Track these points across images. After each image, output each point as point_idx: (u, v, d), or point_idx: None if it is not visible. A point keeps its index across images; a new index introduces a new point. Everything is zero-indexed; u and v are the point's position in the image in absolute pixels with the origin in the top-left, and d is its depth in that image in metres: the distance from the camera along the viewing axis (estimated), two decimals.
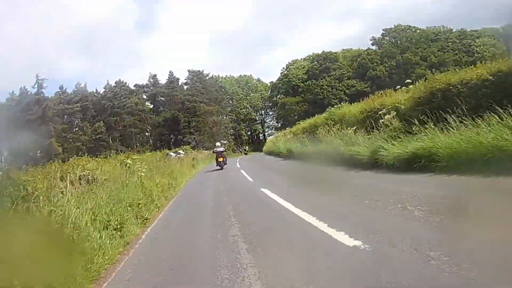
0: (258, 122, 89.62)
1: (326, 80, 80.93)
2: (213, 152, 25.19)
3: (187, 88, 57.86)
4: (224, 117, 58.98)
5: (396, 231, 4.40)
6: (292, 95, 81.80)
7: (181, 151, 33.76)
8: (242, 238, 5.37)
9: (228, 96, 76.39)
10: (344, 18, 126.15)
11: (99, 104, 52.89)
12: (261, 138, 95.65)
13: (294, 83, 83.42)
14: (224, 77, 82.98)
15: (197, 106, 53.41)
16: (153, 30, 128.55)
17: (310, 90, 79.44)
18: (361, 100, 17.01)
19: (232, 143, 71.55)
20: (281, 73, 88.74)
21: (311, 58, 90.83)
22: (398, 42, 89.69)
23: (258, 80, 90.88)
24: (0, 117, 44.66)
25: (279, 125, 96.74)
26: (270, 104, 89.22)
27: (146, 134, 51.60)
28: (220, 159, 22.53)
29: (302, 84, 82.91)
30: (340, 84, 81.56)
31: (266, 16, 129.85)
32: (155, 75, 62.10)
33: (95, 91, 54.51)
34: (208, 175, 21.24)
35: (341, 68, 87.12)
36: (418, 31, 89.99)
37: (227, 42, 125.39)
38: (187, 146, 41.30)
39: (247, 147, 65.39)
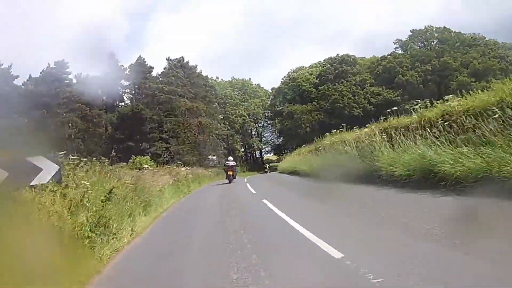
0: (255, 135, 71.19)
1: (344, 85, 63.51)
2: (224, 165, 25.98)
3: (162, 78, 39.18)
4: (215, 122, 40.39)
5: None
6: (300, 103, 63.99)
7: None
8: None
9: (219, 100, 58.06)
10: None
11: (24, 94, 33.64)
12: (257, 156, 76.91)
13: (304, 88, 65.75)
14: (213, 78, 64.52)
15: (175, 100, 34.69)
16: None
17: (326, 96, 61.68)
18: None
19: (223, 160, 52.34)
20: (286, 77, 71.10)
21: (321, 64, 73.84)
22: (432, 44, 73.91)
23: (258, 85, 72.98)
24: None
25: (280, 141, 78.75)
26: (271, 114, 70.93)
27: (95, 139, 32.50)
28: (230, 173, 22.76)
29: (314, 90, 65.28)
30: (362, 91, 64.18)
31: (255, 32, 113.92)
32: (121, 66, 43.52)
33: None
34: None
35: (361, 73, 70.26)
36: (453, 33, 74.15)
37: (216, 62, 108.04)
38: (146, 158, 22.27)
39: (267, 166, 50.39)
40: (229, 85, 66.01)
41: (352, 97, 61.02)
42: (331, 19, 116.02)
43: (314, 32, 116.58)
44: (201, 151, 39.87)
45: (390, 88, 66.02)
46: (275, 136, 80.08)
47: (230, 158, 24.56)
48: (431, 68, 67.00)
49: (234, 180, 22.90)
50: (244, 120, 60.02)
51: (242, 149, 61.31)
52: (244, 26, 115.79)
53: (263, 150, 78.23)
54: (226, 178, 23.16)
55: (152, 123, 33.92)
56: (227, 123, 55.61)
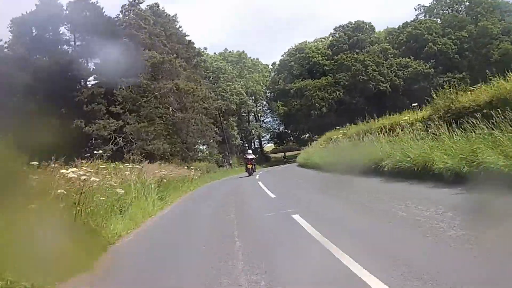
0: (254, 120, 58.49)
1: (365, 55, 50.80)
2: (244, 157, 26.24)
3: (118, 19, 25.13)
4: (202, 90, 27.11)
5: None
6: (310, 80, 51.24)
7: None
8: None
9: (209, 73, 45.00)
10: None
11: None
12: (256, 146, 64.12)
13: (315, 59, 52.93)
14: (201, 49, 50.99)
15: (134, 48, 21.20)
16: None
17: (344, 68, 48.90)
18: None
19: (216, 151, 39.78)
20: (291, 49, 58.02)
21: (331, 34, 61.07)
22: (461, 8, 61.68)
23: (257, 59, 59.95)
24: None
25: (282, 128, 66.19)
26: (273, 95, 58.01)
27: None
28: (249, 166, 22.61)
29: (327, 62, 52.49)
30: (385, 62, 51.60)
31: None
32: None
33: None
34: None
35: (381, 43, 57.75)
36: None
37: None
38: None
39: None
40: (221, 58, 52.82)
41: (376, 68, 48.42)
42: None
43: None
44: (183, 136, 26.97)
45: (419, 58, 53.64)
46: (276, 122, 67.49)
47: (250, 151, 24.07)
48: (467, 35, 54.72)
49: (254, 174, 22.30)
50: (242, 99, 47.12)
51: (239, 137, 48.32)
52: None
53: (262, 139, 65.49)
54: (245, 171, 23.18)
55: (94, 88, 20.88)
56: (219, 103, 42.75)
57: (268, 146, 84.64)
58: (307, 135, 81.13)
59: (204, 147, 39.61)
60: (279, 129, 68.97)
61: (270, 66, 62.96)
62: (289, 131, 68.92)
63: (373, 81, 47.18)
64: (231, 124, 45.38)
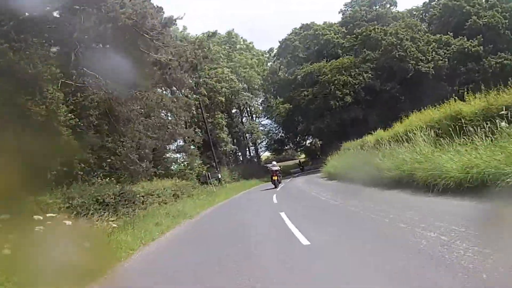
0: (250, 117, 45.11)
1: (396, 27, 38.02)
2: (269, 169, 25.18)
3: None
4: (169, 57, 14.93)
5: None
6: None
7: None
8: None
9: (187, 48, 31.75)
10: None
11: None
12: (251, 155, 50.69)
13: (327, 37, 40.07)
14: (179, 29, 37.35)
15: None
16: None
17: (371, 44, 36.07)
18: None
19: (197, 161, 26.47)
20: (296, 29, 44.91)
21: (341, 11, 48.58)
22: None
23: (251, 43, 46.73)
24: None
25: (281, 134, 53.80)
26: (273, 87, 44.79)
27: None
28: (275, 178, 22.37)
29: (343, 40, 39.70)
30: (421, 38, 38.94)
31: None
32: None
33: None
34: None
35: (405, 19, 45.38)
36: None
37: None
38: None
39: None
40: (204, 38, 39.45)
41: (413, 44, 35.69)
42: None
43: None
44: (129, 135, 13.62)
45: (459, 35, 41.31)
46: (274, 126, 54.40)
47: (274, 162, 24.26)
48: None
49: (280, 185, 22.41)
50: (233, 87, 33.70)
51: (230, 140, 34.57)
52: None
53: (259, 145, 52.07)
54: (271, 183, 22.70)
55: None
56: (203, 92, 29.28)
57: (263, 156, 71.77)
58: (310, 140, 68.28)
59: (180, 155, 26.20)
60: (278, 134, 56.15)
61: (267, 54, 49.95)
62: (288, 137, 56.42)
63: (413, 60, 34.42)
64: (219, 123, 31.89)
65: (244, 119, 46.62)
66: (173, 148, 25.79)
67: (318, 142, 67.55)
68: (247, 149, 47.22)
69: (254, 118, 47.00)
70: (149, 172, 16.48)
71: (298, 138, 65.55)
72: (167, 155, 26.33)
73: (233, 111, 42.25)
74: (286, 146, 62.09)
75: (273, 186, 22.03)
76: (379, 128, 18.38)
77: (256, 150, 49.90)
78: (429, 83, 35.95)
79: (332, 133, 35.63)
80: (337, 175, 17.85)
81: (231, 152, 37.10)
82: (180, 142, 28.18)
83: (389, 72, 34.29)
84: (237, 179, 34.28)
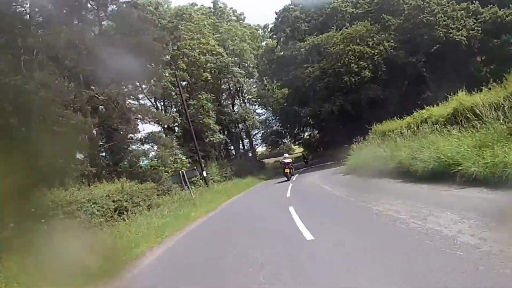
0: (242, 100, 38.09)
1: None
2: (280, 162, 23.20)
3: None
4: None
5: None
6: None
7: None
8: None
9: (162, 20, 24.61)
10: None
11: None
12: (245, 148, 43.92)
13: (334, 5, 33.22)
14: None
15: None
16: None
17: (390, 7, 29.33)
18: None
19: (177, 155, 19.56)
20: None
21: None
22: None
23: (242, 14, 39.70)
24: None
25: (279, 125, 47.89)
26: (268, 67, 37.84)
27: None
28: (287, 170, 21.24)
29: (354, 9, 32.98)
30: (448, 5, 32.29)
31: None
32: None
33: None
34: None
35: None
36: None
37: None
38: None
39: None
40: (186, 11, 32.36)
41: (441, 10, 29.09)
42: None
43: None
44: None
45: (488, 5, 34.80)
46: (270, 116, 47.84)
47: (286, 154, 23.35)
48: None
49: (293, 178, 21.25)
50: (220, 62, 26.62)
51: (217, 127, 27.33)
52: None
53: (254, 137, 45.26)
54: (283, 176, 21.51)
55: None
56: (181, 66, 22.40)
57: (258, 151, 65.36)
58: (309, 132, 62.25)
59: (147, 147, 19.31)
60: (275, 124, 49.66)
61: (261, 31, 43.00)
62: (287, 128, 49.97)
63: (443, 27, 27.86)
64: (203, 106, 25.00)
65: (236, 107, 39.70)
66: (140, 137, 18.93)
67: (317, 135, 61.28)
68: (240, 141, 40.39)
69: (247, 103, 40.05)
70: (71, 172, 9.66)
71: (296, 129, 59.15)
72: (133, 146, 19.51)
73: (223, 97, 35.40)
74: (284, 138, 55.67)
75: (286, 179, 20.96)
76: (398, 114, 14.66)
77: (251, 142, 43.07)
78: (460, 57, 29.55)
79: (340, 119, 29.21)
80: (383, 172, 11.21)
81: (221, 144, 30.21)
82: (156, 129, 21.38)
83: (414, 42, 27.69)
84: (229, 177, 27.56)
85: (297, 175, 24.20)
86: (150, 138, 18.05)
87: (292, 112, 44.75)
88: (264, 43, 41.58)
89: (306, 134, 65.46)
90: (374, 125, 17.10)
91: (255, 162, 38.56)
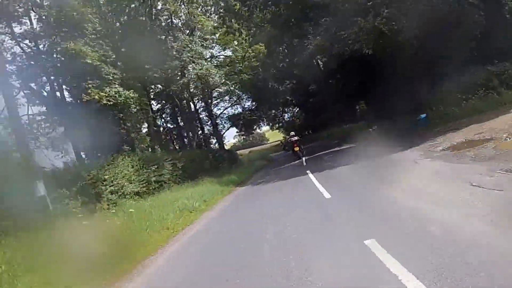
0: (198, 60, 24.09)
1: None
2: (287, 141, 21.92)
3: None
4: None
5: None
6: None
7: None
8: None
9: None
10: None
11: None
12: (205, 133, 30.15)
13: None
14: None
15: None
16: None
17: None
18: None
19: None
20: None
21: None
22: None
23: None
24: None
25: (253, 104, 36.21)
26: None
27: None
28: (296, 149, 17.62)
29: None
30: None
31: None
32: None
33: None
34: None
35: None
36: None
37: None
38: None
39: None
40: None
41: None
42: None
43: None
44: None
45: None
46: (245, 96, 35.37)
47: (293, 133, 19.39)
48: None
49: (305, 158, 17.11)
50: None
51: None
52: None
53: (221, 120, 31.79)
54: (293, 155, 18.44)
55: None
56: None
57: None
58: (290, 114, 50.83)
59: None
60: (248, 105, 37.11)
61: None
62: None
63: None
64: None
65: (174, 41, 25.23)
66: None
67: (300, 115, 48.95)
68: (198, 123, 26.39)
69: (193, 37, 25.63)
70: None
71: (274, 109, 46.66)
72: None
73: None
74: (260, 121, 42.79)
75: (298, 159, 17.34)
76: None
77: (215, 125, 29.18)
78: None
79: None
80: None
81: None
82: None
83: None
84: (174, 180, 14.39)
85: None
86: None
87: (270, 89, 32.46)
88: None
89: (286, 116, 53.30)
90: None
91: (221, 153, 25.01)
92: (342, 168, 10.41)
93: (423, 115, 12.80)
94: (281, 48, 22.19)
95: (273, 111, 46.80)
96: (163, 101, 27.79)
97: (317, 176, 10.13)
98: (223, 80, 22.57)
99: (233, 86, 28.19)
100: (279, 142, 44.67)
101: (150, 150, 19.33)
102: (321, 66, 37.83)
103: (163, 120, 30.87)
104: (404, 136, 12.42)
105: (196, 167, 18.54)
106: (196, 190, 11.98)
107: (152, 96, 25.03)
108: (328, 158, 15.19)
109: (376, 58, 14.11)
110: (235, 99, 33.01)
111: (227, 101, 33.38)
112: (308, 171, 11.48)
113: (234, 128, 39.99)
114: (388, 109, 16.71)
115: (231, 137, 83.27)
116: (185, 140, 27.32)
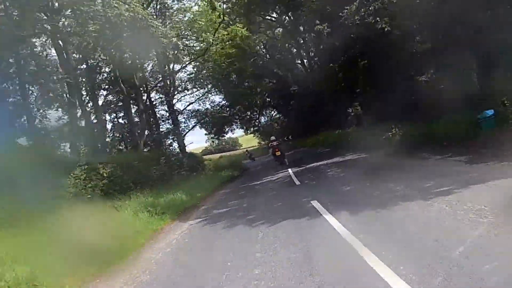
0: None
1: None
2: (269, 146, 20.27)
3: None
4: None
5: None
6: None
7: None
8: None
9: None
10: None
11: None
12: (167, 141, 24.58)
13: None
14: None
15: None
16: None
17: None
18: None
19: None
20: None
21: None
22: None
23: None
24: None
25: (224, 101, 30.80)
26: None
27: None
28: (278, 153, 17.38)
29: None
30: None
31: None
32: None
33: None
34: None
35: None
36: None
37: None
38: None
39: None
40: None
41: None
42: None
43: None
44: None
45: None
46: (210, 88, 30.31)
47: (273, 137, 19.24)
48: None
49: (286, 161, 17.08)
50: None
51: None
52: None
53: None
54: (274, 160, 18.06)
55: None
56: None
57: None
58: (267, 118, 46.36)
59: None
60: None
61: None
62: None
63: None
64: None
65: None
66: None
67: (282, 120, 44.23)
68: (151, 118, 20.69)
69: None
70: None
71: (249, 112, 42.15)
72: None
73: None
74: (233, 123, 37.65)
75: (280, 166, 16.92)
76: None
77: (174, 118, 23.60)
78: None
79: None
80: None
81: None
82: None
83: None
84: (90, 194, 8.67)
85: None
86: None
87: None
88: None
89: (263, 120, 48.76)
90: None
91: (179, 158, 19.28)
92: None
93: (490, 111, 7.95)
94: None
95: (248, 113, 41.83)
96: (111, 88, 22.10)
97: (348, 220, 4.78)
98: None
99: (201, 75, 22.99)
100: (245, 151, 39.65)
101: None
102: (306, 63, 33.24)
103: (114, 114, 25.27)
104: (464, 144, 7.47)
105: (135, 176, 12.94)
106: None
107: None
108: (336, 174, 10.01)
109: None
110: (202, 92, 27.62)
111: (192, 95, 27.93)
112: (315, 203, 6.15)
113: (203, 130, 34.54)
114: (409, 108, 11.84)
115: (203, 141, 77.11)
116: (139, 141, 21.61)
